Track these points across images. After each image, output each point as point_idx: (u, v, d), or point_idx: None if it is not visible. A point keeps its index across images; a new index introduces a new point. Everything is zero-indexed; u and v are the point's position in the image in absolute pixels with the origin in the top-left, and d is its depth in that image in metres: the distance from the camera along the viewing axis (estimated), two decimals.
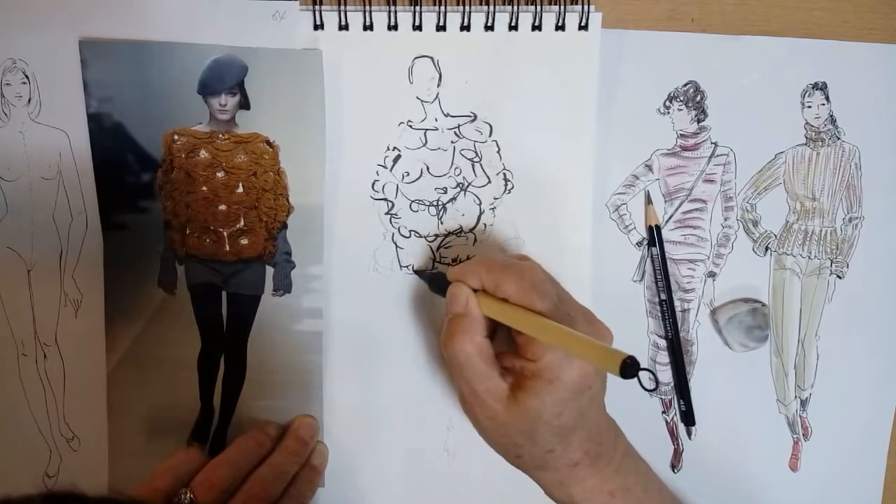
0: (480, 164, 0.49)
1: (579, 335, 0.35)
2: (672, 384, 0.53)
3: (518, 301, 0.39)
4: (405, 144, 0.49)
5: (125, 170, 0.47)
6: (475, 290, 0.42)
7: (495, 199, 0.50)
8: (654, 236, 0.51)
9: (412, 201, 0.49)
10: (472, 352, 0.40)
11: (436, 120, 0.49)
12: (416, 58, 0.48)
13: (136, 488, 0.43)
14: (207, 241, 0.48)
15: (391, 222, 0.49)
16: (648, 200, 0.51)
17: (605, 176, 0.51)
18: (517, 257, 0.46)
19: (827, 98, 0.51)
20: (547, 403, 0.39)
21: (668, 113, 0.51)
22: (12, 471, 0.49)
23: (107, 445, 0.48)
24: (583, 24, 0.48)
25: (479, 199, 0.50)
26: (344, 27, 0.47)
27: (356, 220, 0.49)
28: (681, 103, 0.51)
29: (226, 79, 0.46)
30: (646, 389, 0.33)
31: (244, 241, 0.48)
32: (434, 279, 0.47)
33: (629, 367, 0.31)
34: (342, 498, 0.51)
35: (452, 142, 0.49)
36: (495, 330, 0.42)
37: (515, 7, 0.47)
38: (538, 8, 0.47)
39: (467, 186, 0.49)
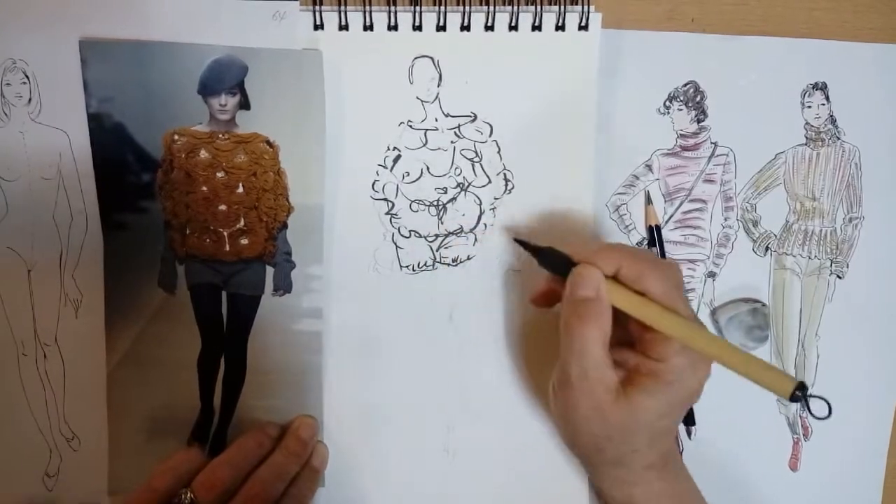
0: (480, 164, 0.49)
1: (745, 352, 0.35)
2: None
3: (662, 300, 0.38)
4: (405, 144, 0.49)
5: (125, 170, 0.47)
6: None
7: (495, 199, 0.50)
8: (654, 236, 0.51)
9: (412, 201, 0.49)
10: (597, 338, 0.39)
11: (436, 120, 0.49)
12: (416, 58, 0.48)
13: (135, 489, 0.43)
14: (207, 241, 0.48)
15: (391, 222, 0.49)
16: (648, 200, 0.51)
17: (605, 176, 0.51)
18: (651, 254, 0.44)
19: (827, 98, 0.51)
20: (660, 404, 0.38)
21: (668, 113, 0.51)
22: (12, 471, 0.49)
23: (107, 445, 0.48)
24: (583, 24, 0.48)
25: (479, 199, 0.50)
26: (344, 27, 0.47)
27: (356, 220, 0.49)
28: (681, 103, 0.51)
29: (226, 79, 0.46)
30: (816, 418, 0.32)
31: (244, 241, 0.48)
32: (544, 253, 0.44)
33: (800, 391, 0.31)
34: (342, 498, 0.51)
35: (452, 142, 0.49)
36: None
37: (515, 7, 0.47)
38: (538, 8, 0.47)
39: (467, 186, 0.49)
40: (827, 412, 0.32)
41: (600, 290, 0.39)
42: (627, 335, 0.41)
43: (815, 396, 0.31)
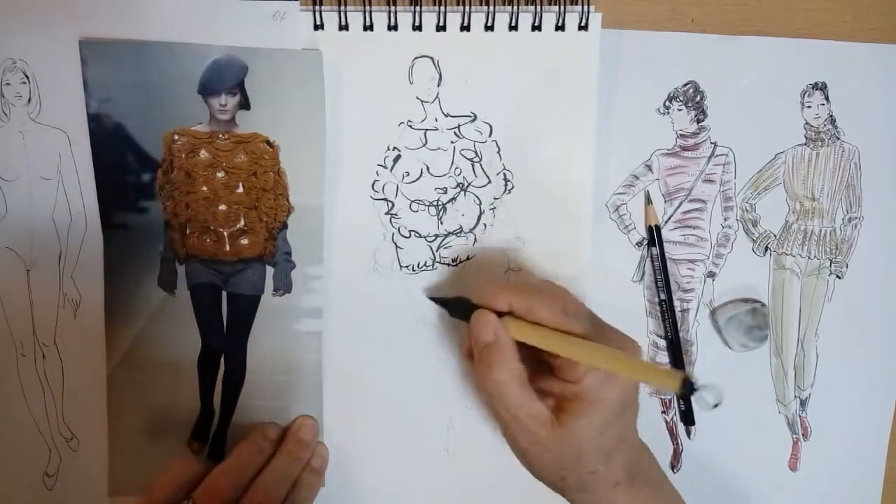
0: (480, 164, 0.49)
1: (633, 358, 0.36)
2: None
3: (553, 324, 0.39)
4: (405, 144, 0.49)
5: (125, 170, 0.47)
6: (501, 315, 0.41)
7: (495, 199, 0.50)
8: (653, 236, 0.51)
9: (412, 201, 0.49)
10: (510, 379, 0.39)
11: (436, 120, 0.49)
12: (416, 58, 0.48)
13: (135, 502, 0.42)
14: (207, 241, 0.48)
15: (391, 222, 0.49)
16: (648, 200, 0.51)
17: (605, 176, 0.51)
18: (541, 283, 0.45)
19: (826, 98, 0.51)
20: (593, 423, 0.39)
21: (668, 113, 0.51)
22: (12, 471, 0.49)
23: (106, 445, 0.48)
24: (583, 24, 0.48)
25: (479, 199, 0.50)
26: (344, 27, 0.47)
27: (356, 220, 0.49)
28: (680, 103, 0.51)
29: (226, 79, 0.46)
30: (709, 408, 0.33)
31: (244, 241, 0.48)
32: (452, 305, 0.45)
33: (689, 385, 0.31)
34: (342, 498, 0.51)
35: (452, 142, 0.49)
36: (522, 352, 0.41)
37: (515, 7, 0.47)
38: (538, 8, 0.47)
39: (467, 186, 0.49)
40: (718, 401, 0.33)
41: (498, 332, 0.40)
42: (544, 364, 0.41)
43: (704, 386, 0.31)
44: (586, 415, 0.39)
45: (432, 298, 0.48)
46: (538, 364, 0.41)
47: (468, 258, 0.50)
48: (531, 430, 0.39)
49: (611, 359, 0.36)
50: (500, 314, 0.41)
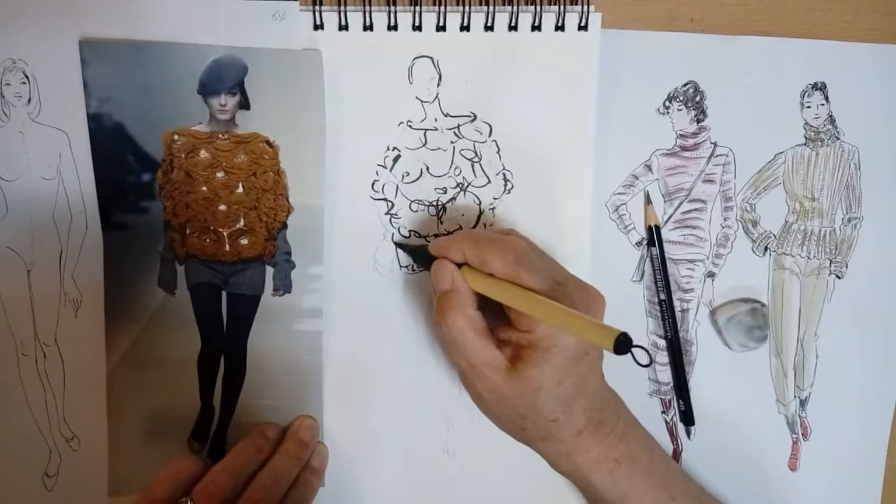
0: (480, 165, 0.49)
1: (569, 311, 0.35)
2: (671, 384, 0.53)
3: (504, 276, 0.39)
4: (405, 144, 0.49)
5: (125, 170, 0.47)
6: (460, 265, 0.42)
7: (495, 199, 0.50)
8: (653, 236, 0.51)
9: (412, 201, 0.49)
10: (466, 326, 0.40)
11: (435, 120, 0.49)
12: (415, 58, 0.48)
13: (134, 499, 0.43)
14: (207, 241, 0.48)
15: (391, 222, 0.49)
16: (648, 200, 0.51)
17: (604, 176, 0.51)
18: (503, 231, 0.45)
19: (826, 98, 0.51)
20: (546, 372, 0.39)
21: (668, 113, 0.51)
22: (12, 470, 0.49)
23: (107, 445, 0.48)
24: (582, 24, 0.48)
25: (478, 199, 0.50)
26: (344, 27, 0.47)
27: (356, 220, 0.49)
28: (680, 103, 0.51)
29: (226, 79, 0.46)
30: (640, 365, 0.33)
31: (244, 241, 0.48)
32: (416, 252, 0.46)
33: (622, 344, 0.31)
34: (342, 498, 0.51)
35: (452, 142, 0.49)
36: (486, 303, 0.42)
37: (515, 7, 0.47)
38: (538, 8, 0.47)
39: (467, 186, 0.49)
40: (648, 360, 0.34)
41: (456, 280, 0.41)
42: (504, 314, 0.42)
43: (638, 346, 0.31)
44: (540, 363, 0.39)
45: (398, 244, 0.49)
46: (499, 314, 0.41)
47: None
48: (487, 377, 0.40)
49: (550, 312, 0.36)
50: (459, 265, 0.42)
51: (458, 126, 0.49)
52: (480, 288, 0.40)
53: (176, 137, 0.47)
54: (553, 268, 0.42)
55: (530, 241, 0.43)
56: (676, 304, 0.52)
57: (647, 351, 0.33)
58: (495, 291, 0.39)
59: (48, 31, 0.45)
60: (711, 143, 0.51)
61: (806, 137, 0.52)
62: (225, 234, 0.48)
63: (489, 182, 0.50)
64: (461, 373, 0.42)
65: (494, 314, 0.41)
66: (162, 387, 0.48)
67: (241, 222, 0.48)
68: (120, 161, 0.47)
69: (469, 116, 0.49)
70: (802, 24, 0.51)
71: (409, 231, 0.50)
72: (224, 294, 0.48)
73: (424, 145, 0.49)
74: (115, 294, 0.47)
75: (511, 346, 0.40)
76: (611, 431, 0.42)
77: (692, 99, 0.51)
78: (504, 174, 0.49)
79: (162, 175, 0.47)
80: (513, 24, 0.47)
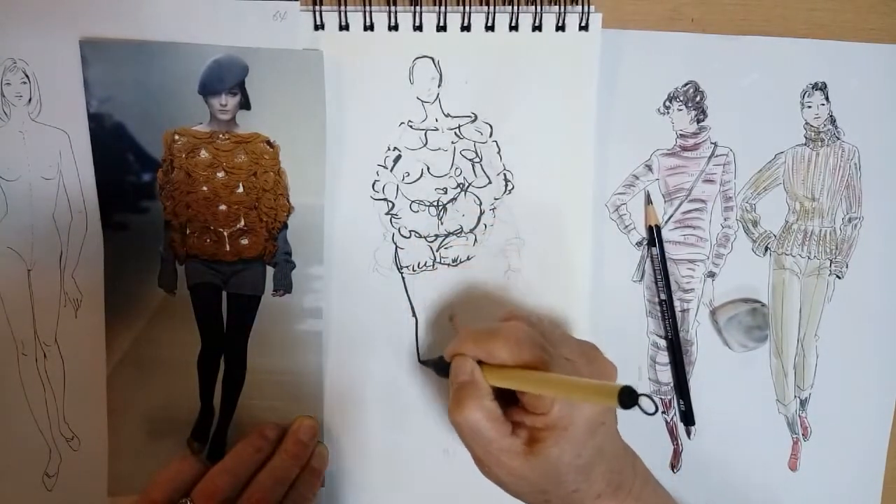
0: (481, 165, 0.49)
1: (573, 380, 0.36)
2: (672, 384, 0.53)
3: (512, 362, 0.39)
4: (405, 145, 0.49)
5: (125, 170, 0.47)
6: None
7: (495, 199, 0.50)
8: (653, 236, 0.51)
9: (412, 201, 0.49)
10: (482, 417, 0.40)
11: (436, 120, 0.49)
12: (416, 58, 0.48)
13: (133, 500, 0.43)
14: (208, 241, 0.48)
15: (391, 222, 0.49)
16: (648, 200, 0.51)
17: (605, 176, 0.51)
18: (505, 316, 0.45)
19: (826, 98, 0.51)
20: (566, 449, 0.39)
21: (668, 113, 0.51)
22: (12, 470, 0.49)
23: (107, 445, 0.48)
24: (583, 24, 0.48)
25: (479, 199, 0.50)
26: (344, 27, 0.47)
27: (356, 221, 0.49)
28: (681, 103, 0.51)
29: (226, 79, 0.46)
30: (647, 414, 0.34)
31: (244, 241, 0.48)
32: (437, 365, 0.46)
33: (628, 397, 0.31)
34: (342, 498, 0.51)
35: (453, 142, 0.49)
36: (497, 388, 0.42)
37: (516, 7, 0.47)
38: (538, 8, 0.47)
39: (467, 187, 0.49)
40: (654, 409, 0.34)
41: (475, 373, 0.41)
42: (517, 398, 0.42)
43: (644, 395, 0.32)
44: (559, 442, 0.39)
45: (422, 362, 0.50)
46: (511, 396, 0.41)
47: (468, 258, 0.50)
48: (505, 463, 0.40)
49: (559, 386, 0.37)
50: None
51: (459, 126, 0.49)
52: (495, 380, 0.40)
53: (176, 137, 0.47)
54: (560, 342, 0.42)
55: (532, 319, 0.44)
56: (677, 304, 0.52)
57: (652, 399, 0.34)
58: (507, 380, 0.40)
59: (49, 30, 0.45)
60: (712, 143, 0.51)
61: (806, 137, 0.52)
62: (225, 234, 0.48)
63: (490, 182, 0.50)
64: (477, 459, 0.42)
65: (506, 397, 0.41)
66: (162, 387, 0.48)
67: (242, 222, 0.48)
68: (120, 161, 0.47)
69: (470, 117, 0.49)
70: (802, 24, 0.51)
71: (410, 231, 0.50)
72: (224, 294, 0.48)
73: (425, 145, 0.49)
74: (115, 294, 0.47)
75: (526, 428, 0.40)
76: (628, 493, 0.42)
77: (692, 99, 0.51)
78: (505, 174, 0.49)
79: (162, 175, 0.47)
80: (513, 24, 0.48)
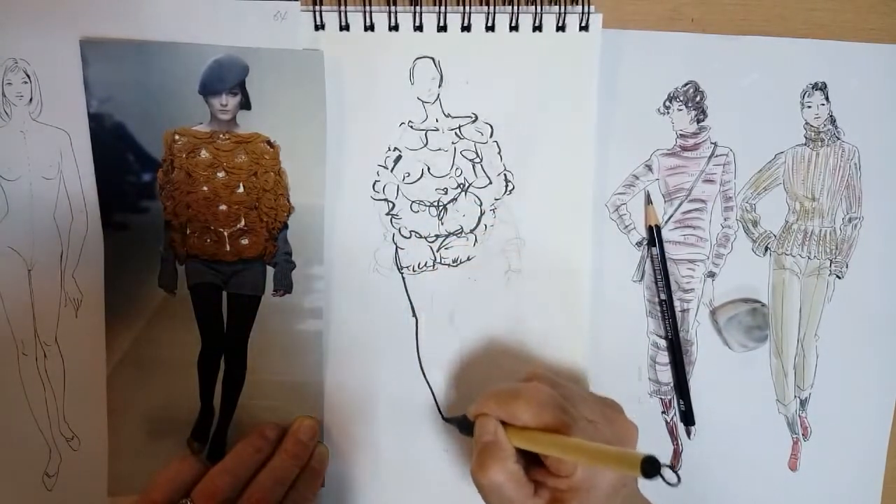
0: (481, 165, 0.49)
1: (596, 446, 0.36)
2: (672, 384, 0.53)
3: (534, 425, 0.40)
4: (406, 145, 0.49)
5: (126, 170, 0.47)
6: None
7: (496, 199, 0.50)
8: (653, 236, 0.51)
9: (413, 202, 0.49)
10: (505, 480, 0.40)
11: (437, 120, 0.49)
12: (416, 58, 0.48)
13: (133, 501, 0.43)
14: (208, 241, 0.48)
15: (392, 223, 0.49)
16: (648, 200, 0.51)
17: (605, 176, 0.51)
18: (526, 377, 0.45)
19: (827, 98, 0.51)
20: None
21: (668, 113, 0.51)
22: (12, 470, 0.49)
23: (107, 445, 0.48)
24: (583, 24, 0.48)
25: (479, 199, 0.50)
26: (345, 28, 0.47)
27: (357, 221, 0.49)
28: (681, 103, 0.51)
29: (227, 79, 0.46)
30: (669, 485, 0.34)
31: (245, 242, 0.48)
32: (461, 423, 0.46)
33: (651, 466, 0.32)
34: (342, 498, 0.51)
35: (453, 142, 0.49)
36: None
37: (516, 8, 0.47)
38: (539, 9, 0.47)
39: (468, 187, 0.49)
40: (677, 480, 0.34)
41: (498, 433, 0.41)
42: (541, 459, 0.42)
43: (666, 465, 0.32)
44: (584, 503, 0.39)
45: (446, 420, 0.50)
46: (534, 457, 0.41)
47: (468, 259, 0.50)
48: None
49: (582, 452, 0.37)
50: None
51: (460, 126, 0.49)
52: (517, 442, 0.41)
53: (177, 137, 0.47)
54: (581, 402, 0.42)
55: (554, 380, 0.44)
56: (677, 304, 0.52)
57: (674, 470, 0.34)
58: (531, 442, 0.40)
59: (49, 30, 0.45)
60: (712, 143, 0.51)
61: (806, 137, 0.52)
62: (225, 234, 0.48)
63: (490, 183, 0.50)
64: None
65: (529, 456, 0.41)
66: (162, 387, 0.48)
67: (242, 222, 0.48)
68: (121, 161, 0.47)
69: (470, 117, 0.49)
70: (802, 24, 0.51)
71: (410, 232, 0.50)
72: (224, 294, 0.48)
73: (426, 146, 0.49)
74: (115, 294, 0.47)
75: (548, 489, 0.41)
76: None
77: (692, 99, 0.51)
78: (505, 175, 0.49)
79: (163, 175, 0.47)
80: (514, 24, 0.48)
